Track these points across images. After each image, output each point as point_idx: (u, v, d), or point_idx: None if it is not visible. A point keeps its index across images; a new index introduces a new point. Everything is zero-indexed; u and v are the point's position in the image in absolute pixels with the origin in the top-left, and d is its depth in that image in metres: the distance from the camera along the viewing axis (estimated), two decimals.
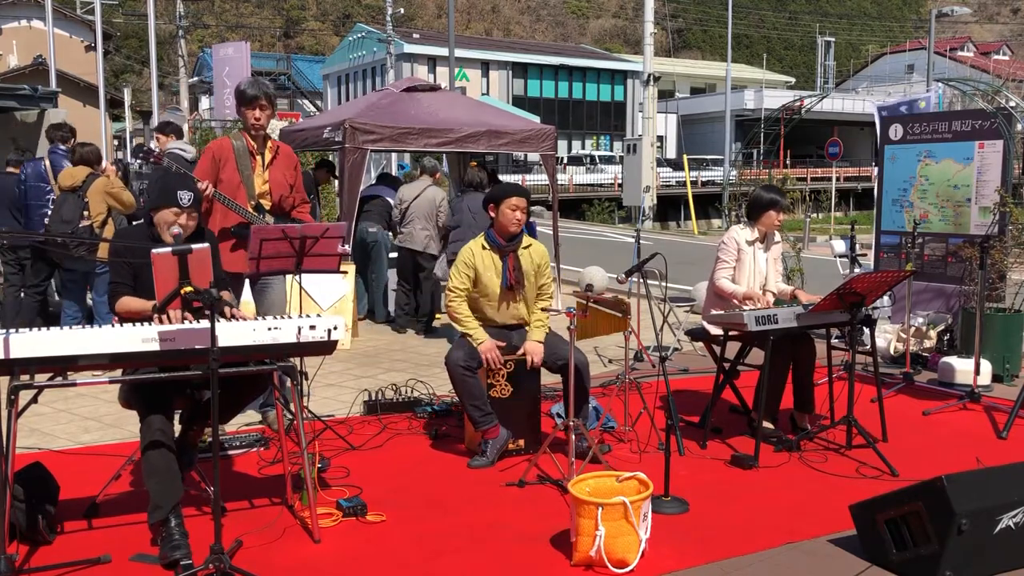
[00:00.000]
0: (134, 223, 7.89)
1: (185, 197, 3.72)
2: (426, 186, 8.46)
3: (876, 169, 7.82)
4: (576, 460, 4.16)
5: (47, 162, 7.59)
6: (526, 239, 4.78)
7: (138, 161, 7.33)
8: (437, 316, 9.14)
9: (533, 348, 4.65)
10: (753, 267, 5.19)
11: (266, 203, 4.89)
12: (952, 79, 9.86)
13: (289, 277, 4.95)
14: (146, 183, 7.75)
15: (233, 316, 3.67)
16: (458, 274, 4.68)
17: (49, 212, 7.05)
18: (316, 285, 7.54)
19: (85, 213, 6.73)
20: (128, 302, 3.69)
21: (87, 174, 6.81)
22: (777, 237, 5.38)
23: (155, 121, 15.38)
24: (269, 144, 4.92)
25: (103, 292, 6.99)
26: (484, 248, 4.71)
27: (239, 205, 4.77)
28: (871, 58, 60.27)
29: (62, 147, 7.65)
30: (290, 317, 3.67)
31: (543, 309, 4.79)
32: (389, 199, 8.97)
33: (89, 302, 7.40)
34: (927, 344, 7.01)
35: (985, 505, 3.20)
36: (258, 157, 4.86)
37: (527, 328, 4.79)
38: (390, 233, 9.10)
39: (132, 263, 3.69)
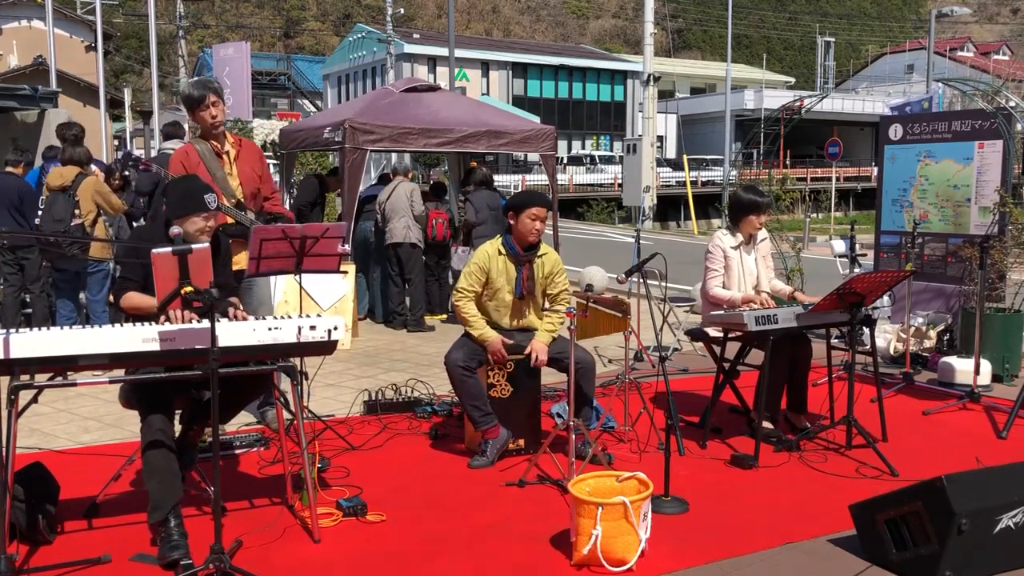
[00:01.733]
0: (134, 224, 7.92)
1: (211, 200, 3.71)
2: (398, 183, 8.69)
3: (877, 169, 7.83)
4: (576, 460, 4.16)
5: None
6: (542, 247, 4.74)
7: (126, 171, 7.35)
8: (439, 317, 9.14)
9: (538, 347, 4.61)
10: (742, 270, 5.16)
11: (242, 199, 4.87)
12: (952, 79, 9.86)
13: (281, 276, 4.95)
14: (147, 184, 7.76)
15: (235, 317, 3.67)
16: (469, 275, 4.65)
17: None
18: (316, 285, 7.54)
19: (76, 212, 6.75)
20: (133, 298, 3.69)
21: (76, 173, 6.84)
22: (763, 234, 5.32)
23: (155, 121, 15.40)
24: (231, 140, 4.88)
25: (97, 291, 7.00)
26: (500, 253, 4.66)
27: (228, 206, 4.75)
28: (871, 58, 60.27)
29: None
30: (289, 317, 3.67)
31: (550, 310, 4.78)
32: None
33: (82, 300, 7.39)
34: (927, 344, 7.01)
35: (985, 505, 3.20)
36: (224, 156, 4.83)
37: (532, 332, 4.78)
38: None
39: (146, 264, 3.67)
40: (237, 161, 4.86)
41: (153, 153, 18.14)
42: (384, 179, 10.42)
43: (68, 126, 7.78)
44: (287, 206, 9.52)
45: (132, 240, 3.98)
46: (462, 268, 8.39)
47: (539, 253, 4.71)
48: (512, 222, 4.64)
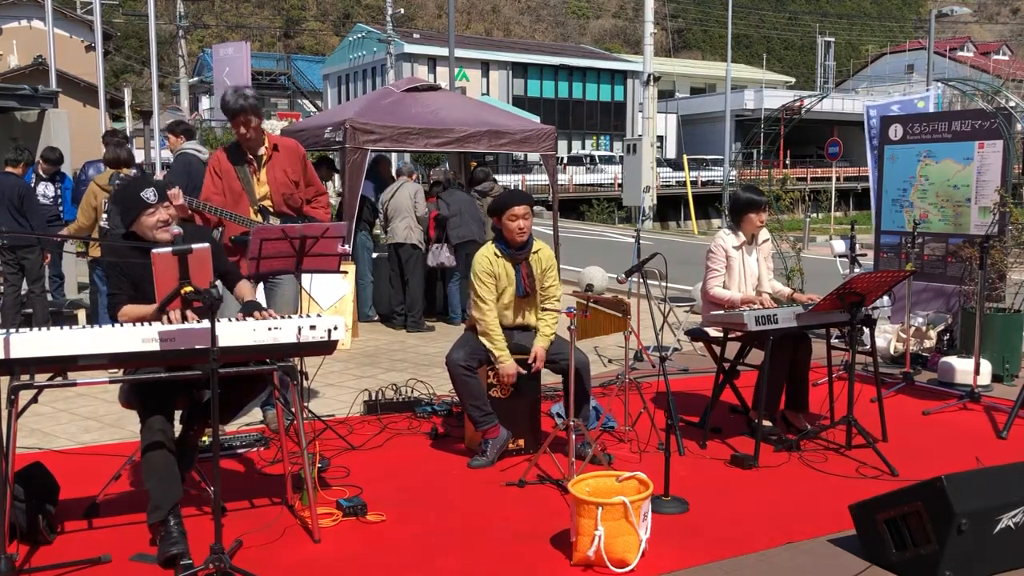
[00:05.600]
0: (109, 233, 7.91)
1: (150, 194, 3.69)
2: (401, 183, 8.73)
3: (870, 169, 7.86)
4: (576, 460, 4.16)
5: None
6: (536, 243, 4.74)
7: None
8: (442, 320, 9.14)
9: (539, 352, 4.63)
10: (744, 271, 5.15)
11: (268, 204, 4.87)
12: (952, 79, 9.86)
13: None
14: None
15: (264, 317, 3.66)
16: (481, 284, 4.63)
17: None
18: (316, 285, 7.55)
19: None
20: (129, 310, 3.68)
21: None
22: (765, 234, 5.33)
23: (155, 121, 15.36)
24: (265, 144, 4.88)
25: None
26: (497, 256, 4.67)
27: (234, 213, 4.75)
28: (871, 58, 60.27)
29: None
30: (290, 317, 3.67)
31: (546, 309, 4.77)
32: (368, 196, 9.11)
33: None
34: (927, 344, 7.01)
35: (985, 505, 3.20)
36: (254, 161, 4.83)
37: (531, 330, 4.78)
38: (381, 232, 9.28)
39: (128, 273, 3.68)
40: (267, 167, 4.86)
41: (154, 152, 18.13)
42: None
43: (113, 133, 7.80)
44: None
45: (111, 253, 3.89)
46: (440, 264, 8.56)
47: (533, 249, 4.73)
48: (499, 226, 4.66)
